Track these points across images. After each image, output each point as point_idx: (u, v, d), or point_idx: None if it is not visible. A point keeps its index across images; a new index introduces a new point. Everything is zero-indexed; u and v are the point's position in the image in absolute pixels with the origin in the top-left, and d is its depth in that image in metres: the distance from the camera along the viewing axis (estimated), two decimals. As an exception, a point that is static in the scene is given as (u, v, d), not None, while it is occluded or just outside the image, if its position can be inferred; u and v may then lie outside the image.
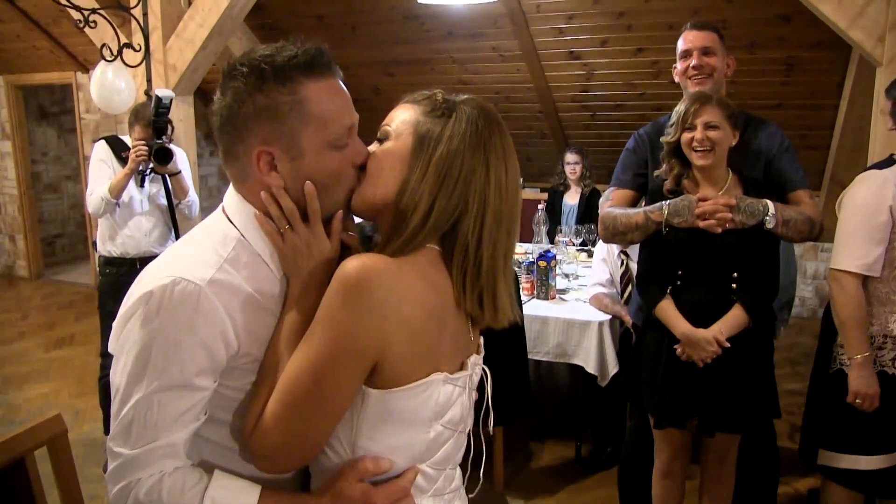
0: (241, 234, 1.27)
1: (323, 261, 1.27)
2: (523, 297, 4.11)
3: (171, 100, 3.80)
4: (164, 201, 4.08)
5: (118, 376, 1.19)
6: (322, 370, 1.15)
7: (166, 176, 3.99)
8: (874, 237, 2.59)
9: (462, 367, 1.32)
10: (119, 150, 4.03)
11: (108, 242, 4.08)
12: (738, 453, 2.81)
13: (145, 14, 4.53)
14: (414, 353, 1.20)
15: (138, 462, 1.17)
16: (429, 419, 1.26)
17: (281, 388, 1.18)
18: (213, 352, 1.19)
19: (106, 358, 4.09)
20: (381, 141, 1.30)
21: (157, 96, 3.75)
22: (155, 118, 3.79)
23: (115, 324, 1.22)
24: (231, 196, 1.32)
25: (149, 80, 4.63)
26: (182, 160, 4.17)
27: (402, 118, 1.29)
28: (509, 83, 6.61)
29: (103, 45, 4.34)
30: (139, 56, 4.56)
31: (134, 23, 4.56)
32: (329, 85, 1.25)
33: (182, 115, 4.75)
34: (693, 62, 2.78)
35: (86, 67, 7.77)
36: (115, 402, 1.19)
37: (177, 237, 4.17)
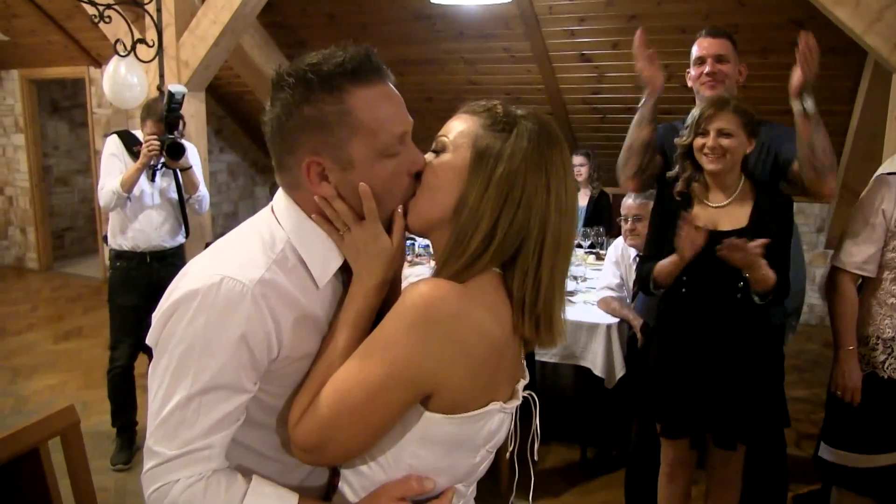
0: (289, 238, 1.25)
1: (384, 259, 1.26)
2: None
3: (184, 95, 3.82)
4: (174, 195, 4.11)
5: (160, 373, 1.18)
6: (375, 389, 1.14)
7: (177, 171, 4.02)
8: (866, 237, 2.68)
9: (513, 393, 1.29)
10: (131, 144, 4.04)
11: (119, 236, 4.08)
12: (746, 461, 2.81)
13: (159, 10, 4.55)
14: (473, 384, 1.18)
15: (179, 463, 1.16)
16: (478, 445, 1.25)
17: (331, 394, 1.17)
18: (256, 354, 1.17)
19: (115, 351, 4.10)
20: (437, 153, 1.26)
21: (169, 91, 3.77)
22: (167, 113, 3.82)
23: (156, 318, 1.21)
24: (281, 199, 1.29)
25: (161, 76, 4.64)
26: (193, 155, 4.18)
27: (460, 130, 1.25)
28: (520, 84, 6.61)
29: (117, 40, 4.36)
30: (152, 52, 4.58)
31: (147, 18, 4.58)
32: (378, 91, 1.22)
33: (193, 111, 4.76)
34: (707, 69, 2.80)
35: (98, 62, 7.80)
36: (154, 399, 1.18)
37: (186, 232, 4.20)
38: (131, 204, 4.01)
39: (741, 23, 5.09)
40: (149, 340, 1.22)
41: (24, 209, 8.81)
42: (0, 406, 4.84)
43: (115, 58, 4.38)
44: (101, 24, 4.43)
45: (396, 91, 1.26)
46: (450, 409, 1.17)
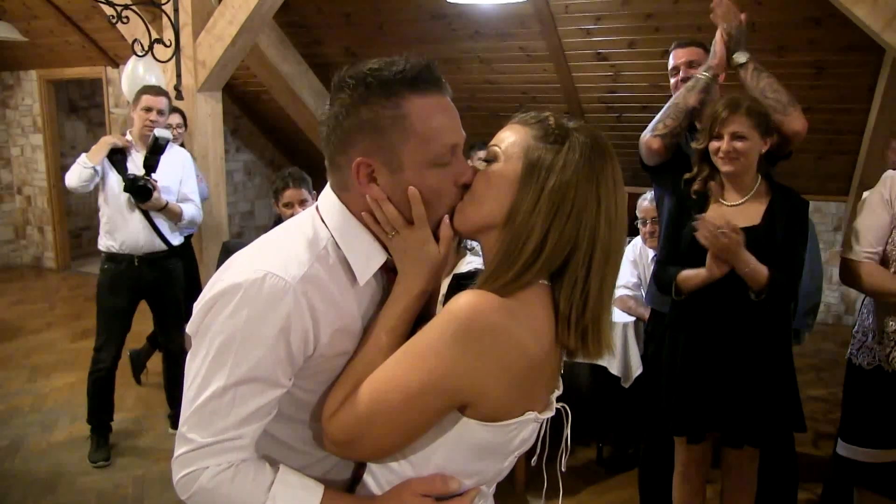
0: (332, 236, 1.27)
1: (430, 265, 1.27)
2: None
3: (168, 141, 3.88)
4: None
5: (197, 362, 1.20)
6: (412, 395, 1.16)
7: (149, 213, 3.98)
8: (873, 228, 2.70)
9: (548, 403, 1.30)
10: (112, 153, 3.97)
11: (108, 238, 4.06)
12: (761, 462, 2.80)
13: (176, 10, 4.58)
14: (510, 397, 1.19)
15: (210, 451, 1.19)
16: (509, 452, 1.26)
17: (369, 393, 1.19)
18: (293, 350, 1.19)
19: (100, 352, 4.10)
20: (488, 161, 1.27)
21: (154, 135, 3.80)
22: (149, 154, 3.83)
23: (197, 307, 1.23)
24: (328, 198, 1.31)
25: (178, 76, 4.68)
26: (187, 164, 4.18)
27: (512, 140, 1.25)
28: (536, 83, 6.60)
29: (135, 40, 4.40)
30: (169, 51, 4.61)
31: (165, 18, 4.61)
32: (434, 101, 1.23)
33: (210, 111, 4.80)
34: (681, 75, 3.02)
35: (116, 62, 7.86)
36: (191, 386, 1.20)
37: (165, 242, 4.10)
38: (120, 207, 3.98)
39: (758, 21, 5.06)
40: (189, 329, 1.24)
41: (42, 209, 8.88)
42: (19, 404, 4.89)
43: (133, 58, 4.42)
44: (119, 25, 4.47)
45: (453, 105, 1.27)
46: (486, 417, 1.18)
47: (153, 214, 4.01)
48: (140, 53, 4.41)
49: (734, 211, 2.60)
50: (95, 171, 3.90)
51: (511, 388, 1.18)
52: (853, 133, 5.83)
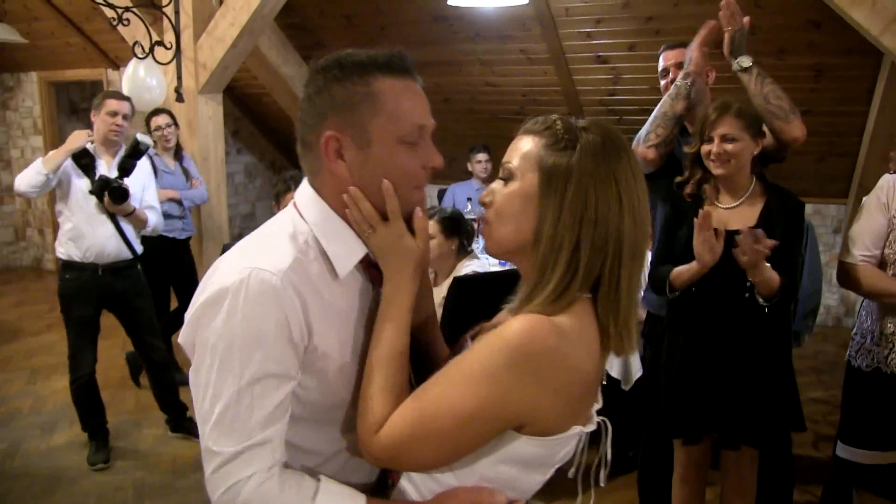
0: (312, 230, 1.28)
1: (411, 259, 1.28)
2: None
3: (148, 148, 3.80)
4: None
5: (203, 375, 1.19)
6: (464, 419, 1.15)
7: (116, 217, 3.85)
8: (871, 231, 2.70)
9: (590, 417, 1.29)
10: (80, 157, 3.81)
11: (70, 245, 3.91)
12: (760, 464, 2.80)
13: (177, 12, 4.59)
14: (563, 415, 1.20)
15: (243, 460, 1.17)
16: (552, 465, 1.26)
17: (417, 416, 1.18)
18: (294, 338, 1.19)
19: (76, 361, 4.03)
20: (505, 180, 1.27)
21: (136, 139, 3.72)
22: (126, 157, 3.73)
23: (188, 318, 1.23)
24: (304, 191, 1.33)
25: (179, 78, 4.69)
26: (147, 170, 4.09)
27: (524, 153, 1.25)
28: (536, 86, 6.61)
29: (135, 42, 4.41)
30: (170, 54, 4.62)
31: (165, 21, 4.62)
32: (404, 84, 1.27)
33: (211, 113, 4.81)
34: (670, 77, 3.06)
35: (116, 64, 7.86)
36: (203, 401, 1.19)
37: (132, 251, 4.00)
38: (84, 213, 3.88)
39: (758, 24, 5.05)
40: (182, 340, 1.24)
41: (42, 211, 8.89)
42: (19, 406, 4.89)
43: (134, 60, 4.43)
44: (120, 27, 4.48)
45: (423, 92, 1.30)
46: (537, 433, 1.18)
47: (121, 221, 3.90)
48: (141, 55, 4.42)
49: (729, 214, 2.60)
50: (49, 178, 3.79)
51: (566, 408, 1.19)
52: (852, 135, 5.84)
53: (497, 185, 1.28)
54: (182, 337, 1.24)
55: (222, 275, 1.21)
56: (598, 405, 1.32)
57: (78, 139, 3.81)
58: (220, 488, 1.18)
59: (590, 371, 1.21)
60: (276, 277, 1.18)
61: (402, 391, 1.23)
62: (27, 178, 3.81)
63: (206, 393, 1.18)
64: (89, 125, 3.98)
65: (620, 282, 1.21)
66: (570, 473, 1.36)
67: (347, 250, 1.29)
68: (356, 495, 1.25)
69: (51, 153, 3.84)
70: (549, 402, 1.16)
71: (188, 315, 1.23)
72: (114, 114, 3.87)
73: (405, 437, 1.17)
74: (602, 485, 1.37)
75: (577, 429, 1.23)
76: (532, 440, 1.18)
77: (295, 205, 1.33)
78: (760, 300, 2.50)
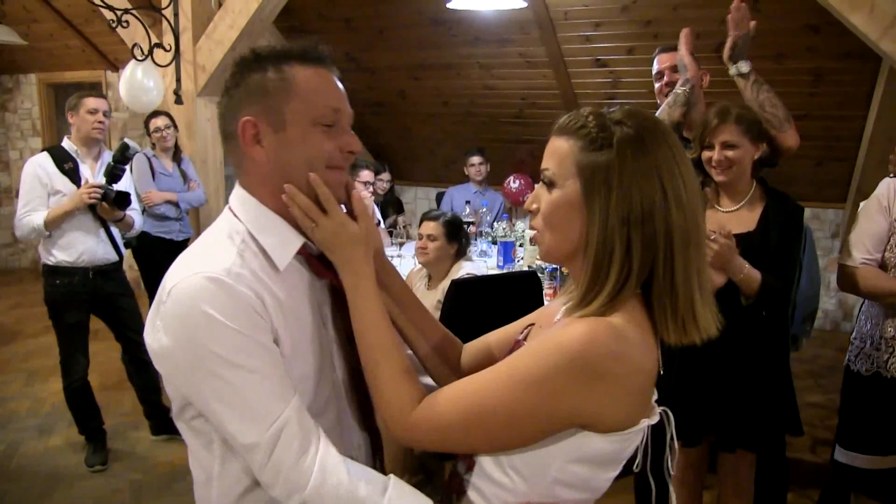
0: (247, 228, 1.29)
1: (358, 244, 1.29)
2: (547, 303, 4.09)
3: (136, 153, 3.82)
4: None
5: (185, 388, 1.21)
6: (521, 416, 1.14)
7: (107, 221, 3.87)
8: (871, 234, 2.72)
9: (652, 408, 1.28)
10: (62, 161, 3.83)
11: (61, 252, 3.87)
12: (757, 468, 2.80)
13: (176, 14, 4.59)
14: (630, 413, 1.19)
15: (287, 438, 1.17)
16: (622, 461, 1.24)
17: (470, 408, 1.17)
18: (254, 317, 1.19)
19: (68, 367, 4.04)
20: (548, 187, 1.24)
21: (125, 143, 3.71)
22: (115, 163, 3.73)
23: (150, 345, 1.22)
24: (236, 192, 1.34)
25: (178, 80, 4.69)
26: (127, 174, 4.04)
27: (560, 158, 1.22)
28: (535, 89, 6.62)
29: (134, 44, 4.41)
30: (169, 56, 4.62)
31: (165, 23, 4.62)
32: (318, 72, 1.29)
33: (210, 116, 4.81)
34: (665, 80, 3.11)
35: (115, 66, 7.87)
36: (213, 414, 1.19)
37: (118, 254, 4.05)
38: (81, 222, 3.85)
39: (756, 28, 5.07)
40: (154, 358, 1.23)
41: (41, 212, 8.86)
42: (16, 408, 4.88)
43: (133, 62, 4.43)
44: (119, 29, 4.48)
45: (338, 81, 1.33)
46: (606, 430, 1.17)
47: (111, 225, 3.93)
48: (140, 58, 4.42)
49: (729, 217, 2.61)
50: (50, 234, 3.81)
51: (632, 405, 1.19)
52: (851, 140, 5.85)
53: (541, 190, 1.26)
54: (157, 364, 1.23)
55: (170, 282, 1.20)
56: (654, 395, 1.31)
57: (77, 201, 3.73)
58: (287, 483, 1.17)
59: (652, 368, 1.21)
60: (221, 276, 1.18)
61: (409, 367, 1.26)
62: (27, 231, 3.79)
63: (215, 406, 1.18)
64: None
65: (675, 273, 1.18)
66: (636, 467, 1.35)
67: (283, 241, 1.30)
68: (422, 496, 1.23)
69: (52, 212, 3.75)
70: (615, 403, 1.15)
71: (148, 338, 1.23)
72: (94, 111, 3.87)
73: (452, 424, 1.17)
74: (672, 471, 1.38)
75: (645, 421, 1.22)
76: (604, 437, 1.16)
77: (230, 207, 1.34)
78: (742, 300, 2.51)
